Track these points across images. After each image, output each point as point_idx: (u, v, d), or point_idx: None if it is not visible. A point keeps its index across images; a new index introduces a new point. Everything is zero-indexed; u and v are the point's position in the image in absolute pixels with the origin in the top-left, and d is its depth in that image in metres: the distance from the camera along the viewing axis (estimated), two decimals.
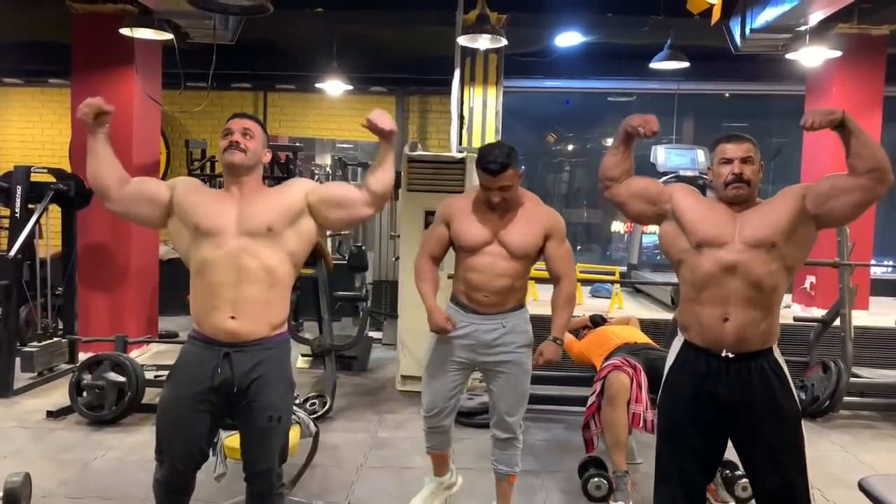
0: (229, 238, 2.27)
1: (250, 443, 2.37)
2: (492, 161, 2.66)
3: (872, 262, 7.36)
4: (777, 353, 2.35)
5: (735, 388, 2.29)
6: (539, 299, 7.21)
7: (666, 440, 2.44)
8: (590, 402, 3.56)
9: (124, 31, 5.24)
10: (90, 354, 4.66)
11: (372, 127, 2.35)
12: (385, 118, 2.36)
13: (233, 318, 2.26)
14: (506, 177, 2.67)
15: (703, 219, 2.35)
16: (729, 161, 2.34)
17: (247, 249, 2.27)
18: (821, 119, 2.19)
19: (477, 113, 6.41)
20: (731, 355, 2.28)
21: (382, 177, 2.37)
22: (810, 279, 6.89)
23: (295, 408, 3.30)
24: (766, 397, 2.28)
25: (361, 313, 5.48)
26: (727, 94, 9.49)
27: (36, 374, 5.04)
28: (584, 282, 7.61)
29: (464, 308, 2.83)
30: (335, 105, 9.06)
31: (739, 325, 2.26)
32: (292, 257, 2.37)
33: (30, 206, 5.21)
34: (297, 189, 2.41)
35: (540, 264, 2.97)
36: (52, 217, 5.61)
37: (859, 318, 5.59)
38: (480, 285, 2.77)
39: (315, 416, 4.22)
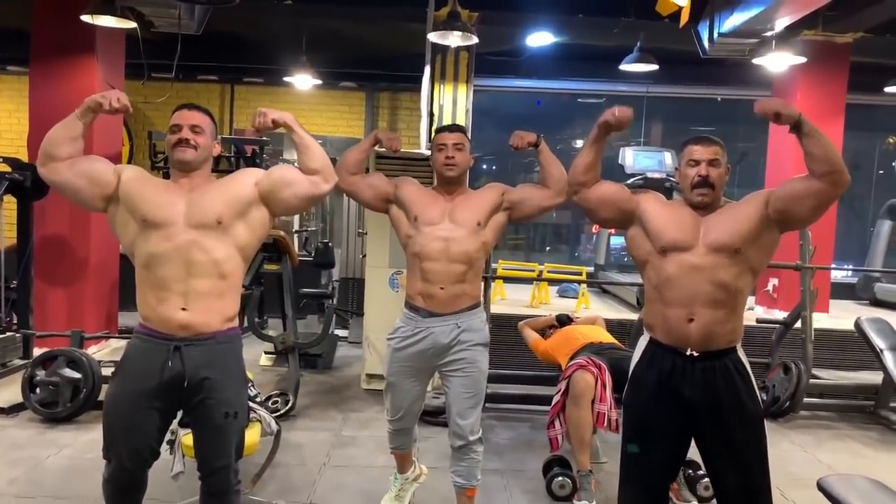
0: (178, 231, 2.22)
1: (207, 440, 2.31)
2: (449, 126, 2.96)
3: (833, 265, 7.50)
4: (741, 352, 2.37)
5: (699, 387, 2.30)
6: (507, 298, 7.23)
7: (631, 438, 2.44)
8: (554, 401, 3.56)
9: (86, 17, 5.09)
10: (45, 350, 4.52)
11: (263, 127, 2.35)
12: (266, 116, 2.36)
13: (184, 309, 2.21)
14: (459, 136, 2.84)
15: (667, 224, 2.36)
16: (696, 163, 2.34)
17: (196, 243, 2.22)
18: (778, 109, 2.22)
19: (447, 111, 6.39)
20: (695, 354, 2.30)
21: (309, 155, 2.37)
22: (773, 282, 7.00)
23: (256, 406, 3.25)
24: (731, 397, 2.30)
25: (327, 310, 5.41)
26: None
27: None
28: (552, 282, 7.65)
29: (418, 311, 2.78)
30: (304, 100, 8.96)
31: (704, 325, 2.27)
32: (242, 251, 2.32)
33: None
34: (247, 178, 2.36)
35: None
36: (8, 208, 5.44)
37: (820, 320, 5.70)
38: (435, 276, 2.72)
39: (277, 414, 4.15)
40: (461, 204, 2.81)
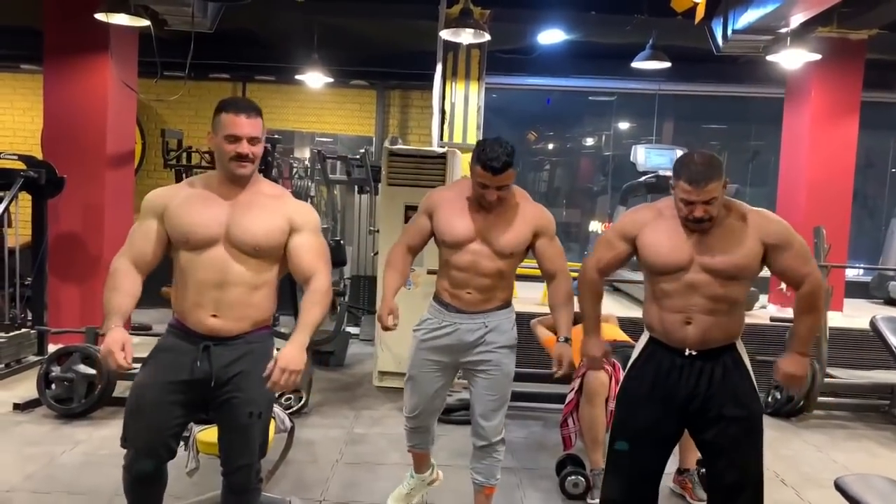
0: (218, 245, 2.23)
1: (230, 439, 2.31)
2: (495, 158, 2.51)
3: (847, 264, 7.44)
4: (740, 346, 2.40)
5: (695, 386, 2.33)
6: (519, 297, 7.21)
7: (621, 431, 2.49)
8: (568, 399, 3.55)
9: (99, 16, 5.11)
10: (59, 346, 4.55)
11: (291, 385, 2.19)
12: (286, 372, 2.13)
13: (214, 316, 2.23)
14: (507, 176, 2.56)
15: (662, 251, 2.37)
16: (691, 203, 2.28)
17: (234, 256, 2.24)
18: (797, 384, 2.50)
19: (458, 108, 6.38)
20: (694, 353, 2.34)
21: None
22: None
23: None
24: (728, 392, 2.33)
25: (339, 308, 5.41)
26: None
27: (3, 365, 4.91)
28: None
29: (446, 307, 2.75)
30: (315, 98, 8.97)
31: (702, 329, 2.32)
32: (279, 261, 2.34)
33: None
34: (286, 220, 2.30)
35: (529, 262, 2.90)
36: (23, 205, 5.48)
37: (834, 319, 5.66)
38: (463, 283, 2.69)
39: (290, 411, 4.16)
40: (500, 225, 2.66)
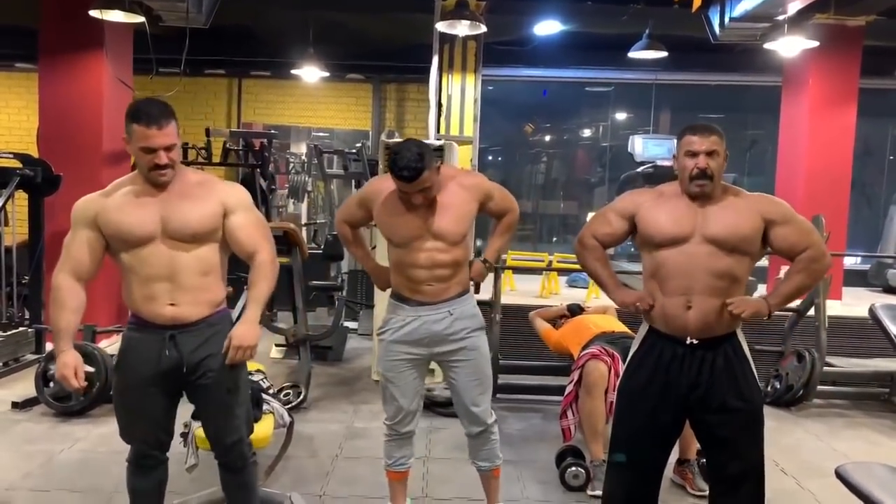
0: (157, 241, 2.25)
1: (215, 420, 2.39)
2: (405, 167, 2.45)
3: (846, 252, 7.44)
4: (741, 336, 2.38)
5: (697, 376, 2.32)
6: (517, 290, 7.21)
7: (622, 421, 2.49)
8: (567, 391, 3.54)
9: (94, 13, 5.09)
10: None
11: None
12: (240, 349, 2.27)
13: (172, 304, 2.27)
14: (422, 180, 2.48)
15: (664, 223, 2.36)
16: (694, 154, 2.32)
17: (175, 248, 2.26)
18: (752, 311, 2.29)
19: (455, 101, 6.36)
20: (695, 342, 2.32)
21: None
22: (784, 269, 6.95)
23: (269, 397, 3.25)
24: (730, 385, 2.32)
25: (337, 303, 5.40)
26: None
27: (1, 364, 4.90)
28: (561, 271, 7.62)
29: (406, 301, 2.70)
30: (311, 92, 8.95)
31: (702, 313, 2.29)
32: (222, 246, 2.36)
33: None
34: (218, 204, 2.32)
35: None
36: (19, 204, 5.46)
37: (833, 307, 5.65)
38: (423, 279, 2.64)
39: (289, 406, 4.15)
40: (443, 214, 2.61)
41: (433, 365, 2.91)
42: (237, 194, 2.38)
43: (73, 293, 2.27)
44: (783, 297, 2.39)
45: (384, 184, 2.69)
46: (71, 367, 2.21)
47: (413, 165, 2.45)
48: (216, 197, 2.32)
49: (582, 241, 2.57)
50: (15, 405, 4.25)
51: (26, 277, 5.41)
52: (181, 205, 2.27)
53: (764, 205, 2.35)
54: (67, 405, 4.15)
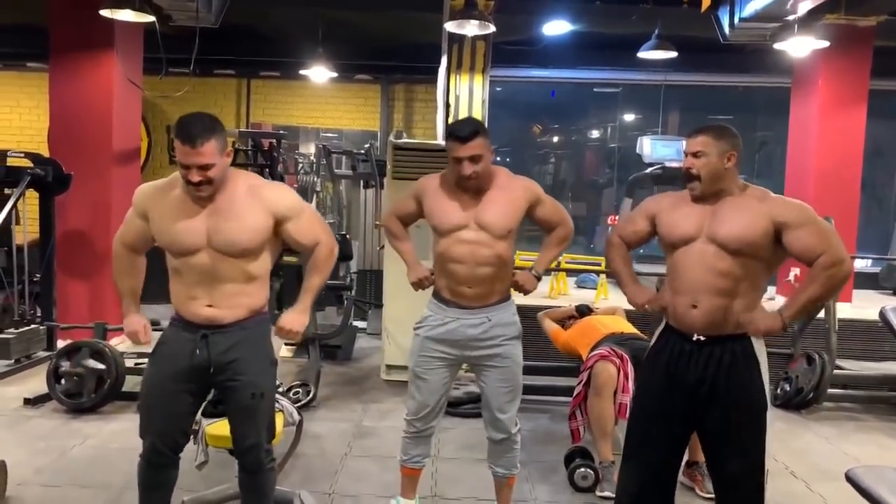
0: (202, 252, 2.29)
1: (238, 421, 2.42)
2: (461, 128, 2.61)
3: (856, 254, 7.40)
4: (756, 339, 2.34)
5: (703, 371, 2.33)
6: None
7: (637, 418, 2.53)
8: (576, 391, 3.54)
9: (105, 12, 5.11)
10: (69, 342, 4.57)
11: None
12: (284, 331, 2.46)
13: (210, 306, 2.32)
14: (476, 145, 2.55)
15: (675, 225, 2.41)
16: (685, 154, 2.39)
17: (221, 260, 2.29)
18: (766, 328, 2.27)
19: (463, 101, 6.36)
20: (702, 338, 2.34)
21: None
22: (794, 271, 6.91)
23: (278, 396, 3.26)
24: (732, 382, 2.31)
25: (346, 302, 5.41)
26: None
27: (13, 361, 4.93)
28: (570, 272, 7.61)
29: (446, 303, 2.72)
30: (319, 93, 8.96)
31: (707, 312, 2.31)
32: (270, 253, 2.41)
33: (6, 191, 5.09)
34: (269, 215, 2.33)
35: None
36: (30, 203, 5.50)
37: (843, 310, 5.62)
38: (463, 277, 2.65)
39: (299, 405, 4.16)
40: (490, 206, 2.65)
41: None
42: (285, 200, 2.38)
43: (129, 260, 2.45)
44: (797, 310, 2.29)
45: (433, 180, 2.79)
46: (139, 324, 2.42)
47: (469, 128, 2.60)
48: (264, 207, 2.32)
49: (609, 240, 2.67)
50: (27, 401, 4.28)
51: (37, 276, 5.44)
52: (228, 220, 2.28)
53: (778, 208, 2.29)
54: (79, 402, 4.18)
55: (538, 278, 2.83)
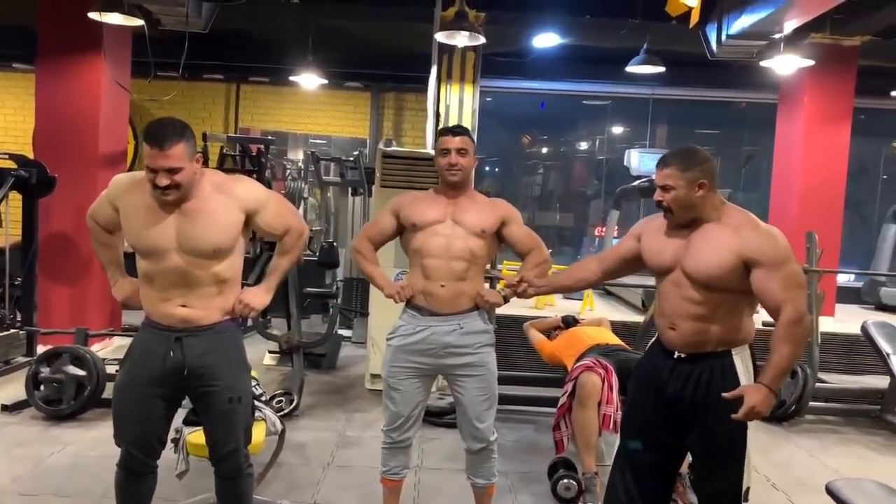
0: (172, 254, 2.26)
1: (214, 427, 2.39)
2: (452, 127, 2.88)
3: (839, 269, 7.47)
4: (738, 356, 2.31)
5: (681, 387, 2.33)
6: (512, 300, 7.20)
7: (625, 427, 2.54)
8: (561, 402, 3.54)
9: (93, 15, 5.08)
10: (49, 347, 4.52)
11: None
12: (243, 304, 2.42)
13: (183, 305, 2.30)
14: (464, 140, 2.75)
15: (654, 254, 2.42)
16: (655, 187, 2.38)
17: (192, 264, 2.27)
18: (755, 413, 2.17)
19: (453, 111, 6.38)
20: (682, 355, 2.35)
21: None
22: None
23: (261, 405, 3.23)
24: (712, 402, 2.28)
25: (331, 310, 5.39)
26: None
27: None
28: None
29: (419, 310, 2.73)
30: (309, 99, 8.96)
31: (684, 335, 2.33)
32: (238, 254, 2.39)
33: None
34: (240, 210, 2.33)
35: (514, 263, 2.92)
36: (13, 205, 5.44)
37: (826, 324, 5.68)
38: (437, 272, 2.68)
39: (281, 413, 4.13)
40: (466, 207, 2.76)
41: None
42: (253, 193, 2.39)
43: (102, 233, 2.46)
44: (778, 375, 2.19)
45: (414, 193, 2.91)
46: (126, 291, 2.47)
47: (460, 127, 2.88)
48: (234, 203, 2.32)
49: (584, 259, 2.72)
50: (5, 408, 4.22)
51: (19, 279, 5.37)
52: (200, 220, 2.26)
53: (752, 242, 2.23)
54: (58, 409, 4.12)
55: (506, 299, 2.80)
